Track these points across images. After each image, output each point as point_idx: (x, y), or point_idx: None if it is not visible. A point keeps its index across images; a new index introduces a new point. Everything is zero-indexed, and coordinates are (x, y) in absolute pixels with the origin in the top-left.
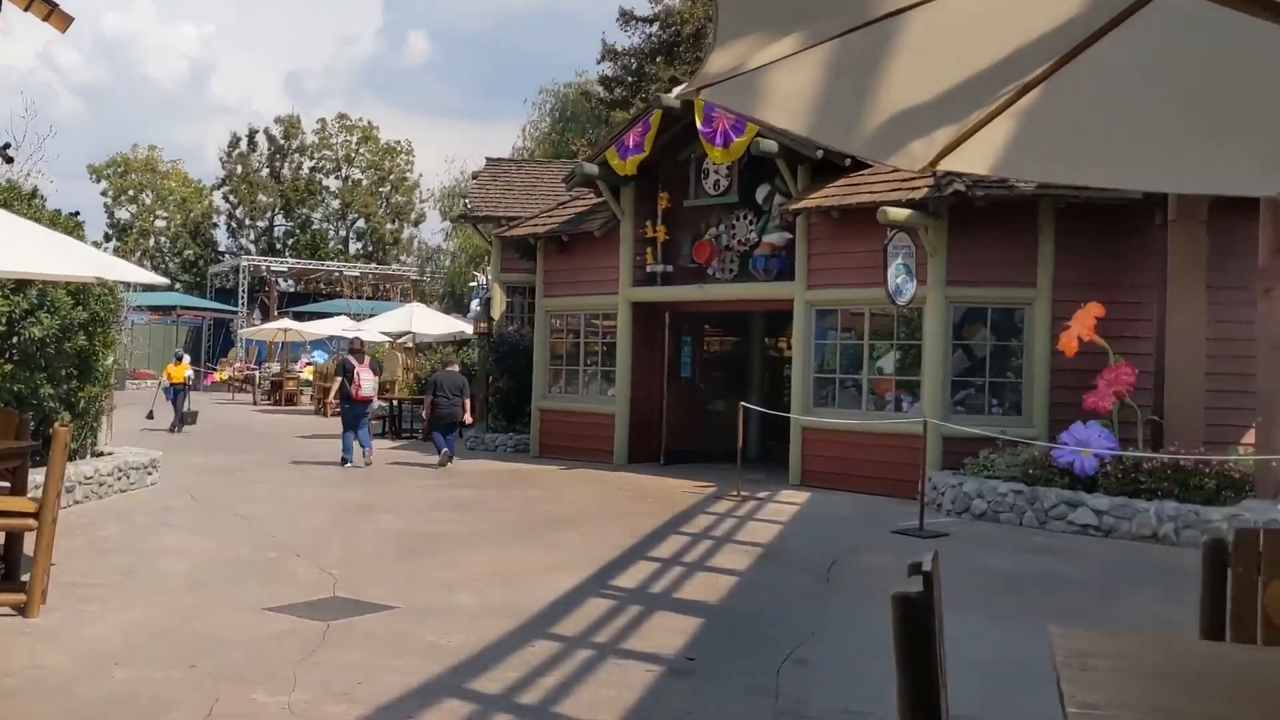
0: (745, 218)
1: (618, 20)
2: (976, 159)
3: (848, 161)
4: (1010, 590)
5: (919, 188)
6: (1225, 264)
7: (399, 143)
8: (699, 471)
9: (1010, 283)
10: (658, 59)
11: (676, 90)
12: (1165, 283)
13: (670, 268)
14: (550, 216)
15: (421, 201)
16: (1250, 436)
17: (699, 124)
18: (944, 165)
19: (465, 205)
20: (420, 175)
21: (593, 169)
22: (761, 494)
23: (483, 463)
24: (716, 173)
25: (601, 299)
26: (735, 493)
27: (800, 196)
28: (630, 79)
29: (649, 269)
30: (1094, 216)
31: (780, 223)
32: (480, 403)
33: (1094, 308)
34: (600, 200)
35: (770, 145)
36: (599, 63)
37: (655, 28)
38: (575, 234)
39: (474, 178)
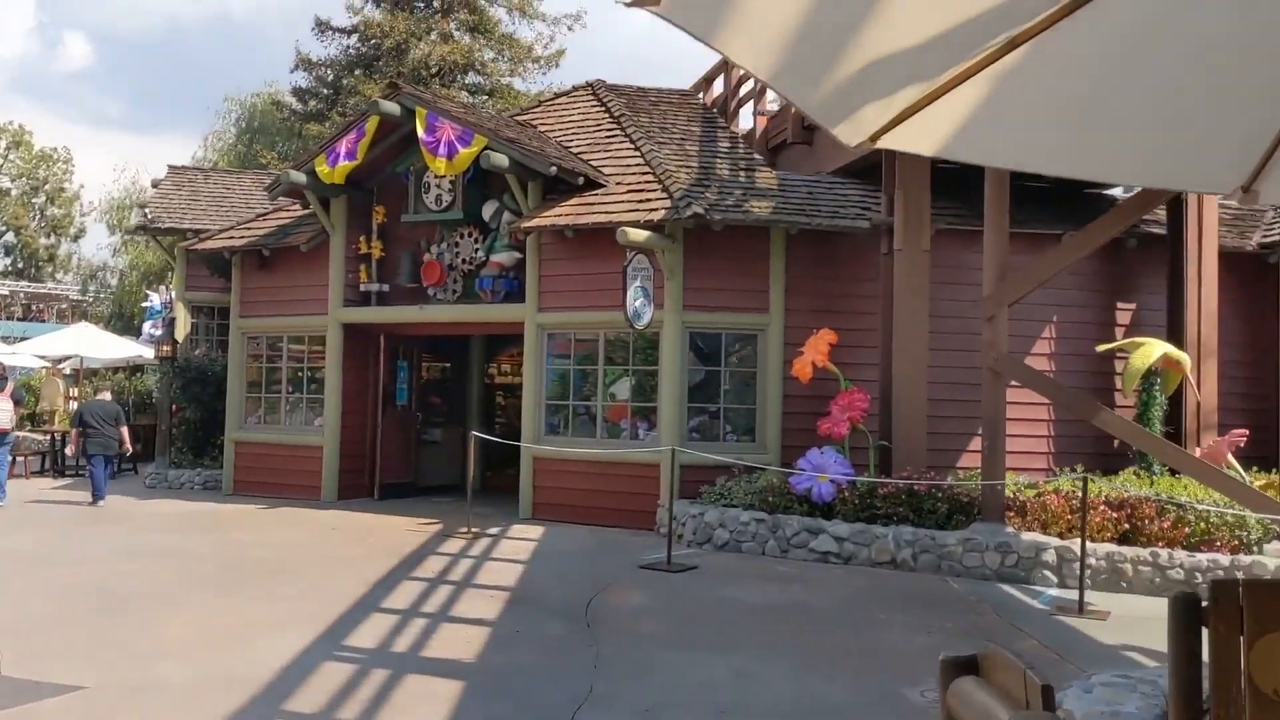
0: (471, 235)
1: (313, 30)
2: (923, 135)
3: (581, 180)
4: (770, 625)
5: (656, 209)
6: (948, 293)
7: (56, 150)
8: (418, 507)
9: (744, 308)
10: (356, 71)
11: None
12: (891, 311)
13: (386, 287)
14: (248, 229)
15: (83, 215)
16: (968, 460)
17: (421, 133)
18: (886, 140)
19: (145, 215)
20: (82, 186)
21: (300, 177)
22: (493, 530)
23: (169, 502)
24: (439, 186)
25: (308, 320)
26: (466, 529)
27: (532, 214)
28: (326, 91)
29: (363, 288)
30: (824, 243)
31: (510, 242)
32: (163, 434)
33: (827, 334)
34: (308, 212)
35: (501, 159)
36: (292, 72)
37: (354, 39)
38: (278, 248)
39: (154, 186)
